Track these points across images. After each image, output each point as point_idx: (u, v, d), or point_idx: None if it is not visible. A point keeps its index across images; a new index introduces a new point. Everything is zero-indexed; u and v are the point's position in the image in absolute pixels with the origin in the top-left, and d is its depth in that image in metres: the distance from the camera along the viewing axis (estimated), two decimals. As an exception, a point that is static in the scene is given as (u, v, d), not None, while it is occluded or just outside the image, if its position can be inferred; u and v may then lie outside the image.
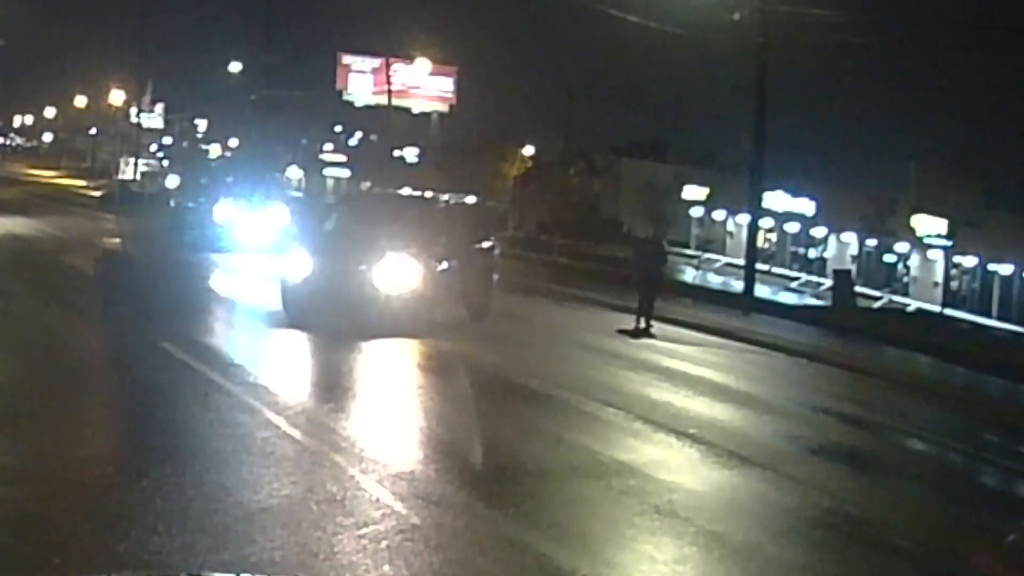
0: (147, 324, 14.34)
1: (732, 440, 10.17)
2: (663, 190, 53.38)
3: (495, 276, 18.00)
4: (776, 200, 44.84)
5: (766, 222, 43.11)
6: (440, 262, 15.71)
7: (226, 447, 8.61)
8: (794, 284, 45.56)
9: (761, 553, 7.10)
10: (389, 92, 51.43)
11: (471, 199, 20.72)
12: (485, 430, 9.94)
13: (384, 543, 6.42)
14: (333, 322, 14.57)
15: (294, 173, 70.29)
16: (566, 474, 8.51)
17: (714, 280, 41.45)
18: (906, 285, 45.21)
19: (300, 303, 15.05)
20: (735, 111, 35.43)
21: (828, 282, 38.46)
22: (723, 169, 52.66)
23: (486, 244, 18.02)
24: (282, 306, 15.29)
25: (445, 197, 19.16)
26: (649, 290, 18.02)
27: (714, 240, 54.53)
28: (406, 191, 21.05)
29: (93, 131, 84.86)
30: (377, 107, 55.92)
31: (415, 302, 14.87)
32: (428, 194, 19.55)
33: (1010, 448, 12.64)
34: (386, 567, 6.11)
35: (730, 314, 23.06)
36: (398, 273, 14.87)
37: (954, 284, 41.79)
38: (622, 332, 17.38)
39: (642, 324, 17.61)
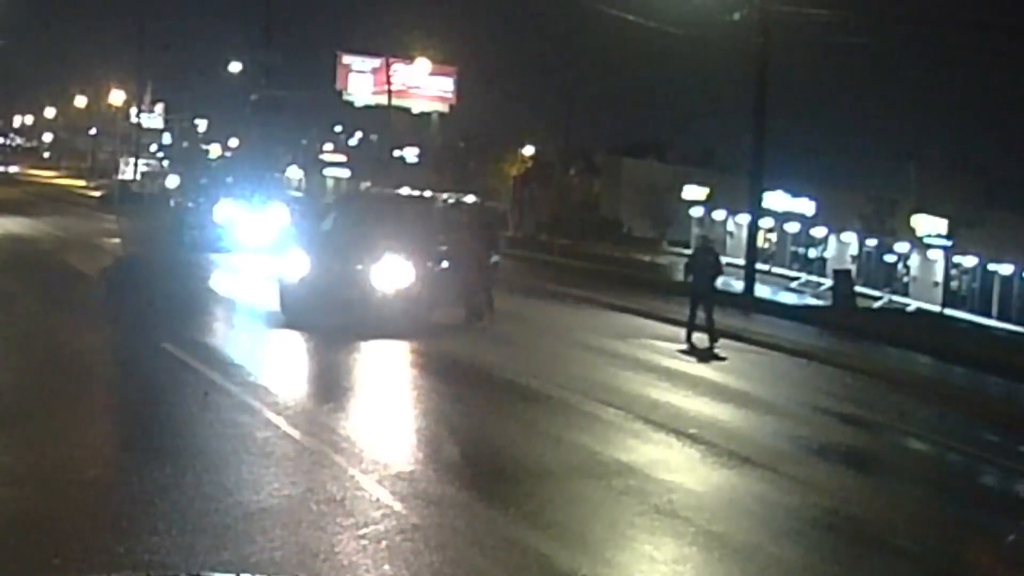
0: (147, 324, 14.35)
1: (732, 440, 10.17)
2: (663, 190, 53.44)
3: (494, 277, 17.80)
4: (776, 200, 44.87)
5: (766, 222, 43.13)
6: (438, 262, 15.63)
7: (226, 447, 8.62)
8: (794, 284, 45.60)
9: (761, 553, 7.09)
10: (389, 92, 51.40)
11: (470, 198, 20.55)
12: (485, 430, 9.95)
13: (384, 543, 6.42)
14: (331, 322, 14.55)
15: (294, 173, 70.27)
16: (566, 474, 8.51)
17: (714, 280, 41.40)
18: (906, 285, 45.24)
19: (298, 303, 15.00)
20: (735, 111, 35.44)
21: (828, 282, 38.44)
22: (723, 169, 52.72)
23: (488, 244, 17.78)
24: (280, 306, 15.27)
25: (444, 196, 18.98)
26: (707, 302, 16.85)
27: (714, 240, 54.54)
28: (405, 191, 20.95)
29: (93, 131, 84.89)
30: (377, 107, 55.86)
31: (412, 302, 14.81)
32: (427, 194, 19.40)
33: (1010, 448, 12.62)
34: (386, 567, 6.11)
35: (730, 314, 23.03)
36: (395, 273, 14.83)
37: (954, 284, 41.81)
38: (684, 353, 16.03)
39: (704, 341, 16.40)
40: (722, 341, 16.78)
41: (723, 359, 15.93)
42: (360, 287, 14.69)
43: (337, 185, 69.70)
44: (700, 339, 16.79)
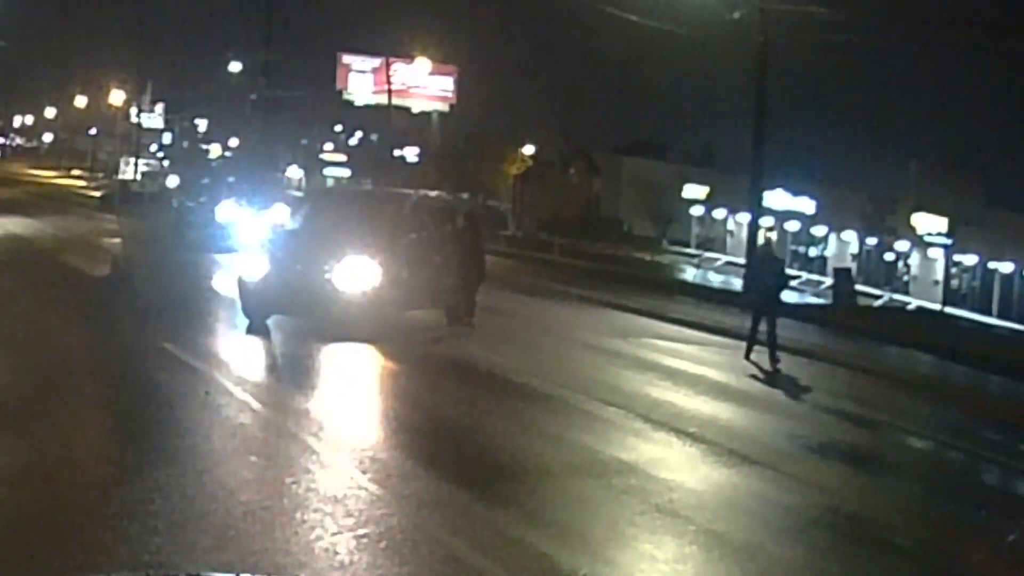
0: (148, 324, 14.35)
1: (733, 439, 10.17)
2: (663, 189, 53.41)
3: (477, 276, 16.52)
4: (776, 199, 44.83)
5: (766, 221, 43.08)
6: (410, 262, 14.88)
7: (226, 447, 8.62)
8: (794, 283, 45.55)
9: (762, 552, 7.09)
10: (389, 92, 51.39)
11: (450, 195, 20.23)
12: (485, 429, 9.95)
13: (384, 543, 6.42)
14: (295, 324, 14.27)
15: (294, 173, 70.32)
16: (566, 473, 8.50)
17: (714, 279, 41.44)
18: (906, 283, 45.22)
19: (259, 304, 14.37)
20: (735, 111, 35.43)
21: (828, 280, 38.45)
22: (723, 168, 52.69)
23: (470, 244, 16.55)
24: (241, 307, 14.75)
25: (421, 194, 18.30)
26: (771, 315, 15.50)
27: (714, 239, 54.55)
28: (385, 189, 20.59)
29: (93, 131, 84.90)
30: (377, 107, 55.91)
31: (380, 303, 14.15)
32: (404, 191, 18.77)
33: (1011, 446, 12.63)
34: (386, 567, 6.11)
35: (730, 312, 23.04)
36: (361, 273, 14.18)
37: (954, 282, 41.75)
38: (754, 377, 14.71)
39: (764, 356, 15.25)
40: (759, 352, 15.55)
41: (793, 377, 14.94)
42: (323, 288, 13.97)
43: (337, 185, 69.74)
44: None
